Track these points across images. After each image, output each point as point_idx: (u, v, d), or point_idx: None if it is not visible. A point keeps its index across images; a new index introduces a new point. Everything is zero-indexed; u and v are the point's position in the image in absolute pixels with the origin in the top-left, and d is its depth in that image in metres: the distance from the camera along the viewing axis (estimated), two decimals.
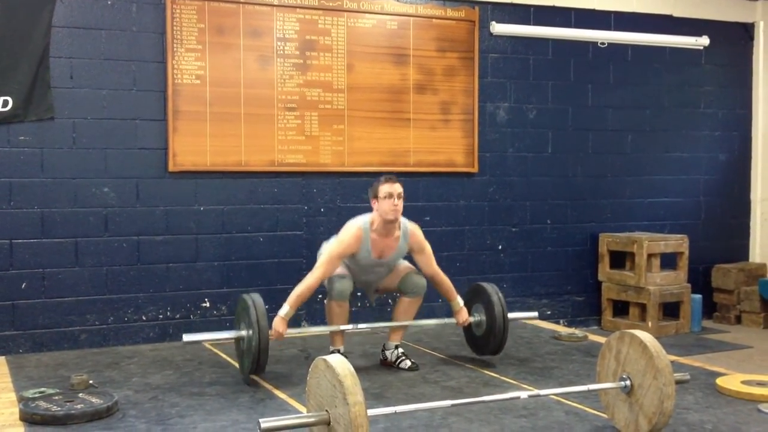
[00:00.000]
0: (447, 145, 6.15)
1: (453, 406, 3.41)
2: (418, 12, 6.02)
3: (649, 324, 6.34)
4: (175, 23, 5.36)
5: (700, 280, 7.02)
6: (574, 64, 6.63)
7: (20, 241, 5.10)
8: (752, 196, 7.39)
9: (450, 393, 4.03)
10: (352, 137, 5.83)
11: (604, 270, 6.70)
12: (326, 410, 2.81)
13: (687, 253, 6.67)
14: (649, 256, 6.43)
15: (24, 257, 5.11)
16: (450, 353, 5.01)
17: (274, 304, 5.67)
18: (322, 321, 5.74)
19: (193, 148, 5.43)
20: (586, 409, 3.76)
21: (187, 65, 5.40)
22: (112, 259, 5.31)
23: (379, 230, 4.39)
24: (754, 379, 4.11)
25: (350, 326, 4.53)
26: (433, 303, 6.15)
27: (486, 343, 4.67)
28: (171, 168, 5.39)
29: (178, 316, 5.47)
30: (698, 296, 6.72)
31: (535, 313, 5.29)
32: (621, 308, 6.73)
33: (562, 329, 5.90)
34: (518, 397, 3.60)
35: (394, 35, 5.97)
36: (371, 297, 4.89)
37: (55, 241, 5.18)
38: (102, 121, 5.26)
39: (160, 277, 5.43)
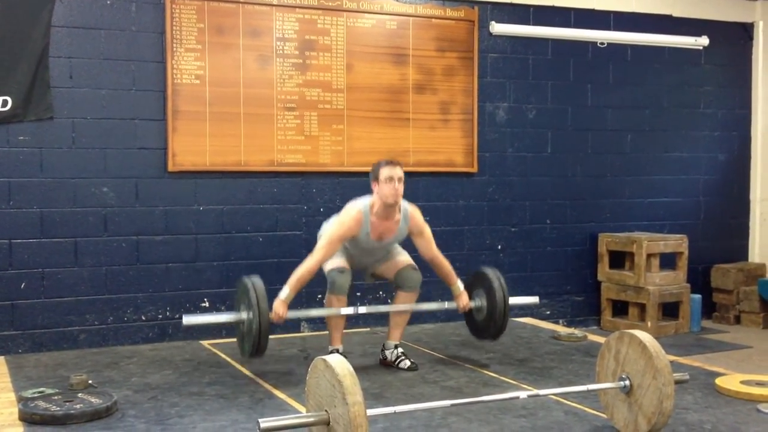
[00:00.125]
0: (446, 145, 6.15)
1: (452, 406, 3.41)
2: (417, 12, 6.02)
3: (649, 324, 6.34)
4: (174, 23, 5.36)
5: (699, 280, 7.02)
6: (574, 64, 6.64)
7: (19, 241, 5.10)
8: (751, 196, 7.39)
9: (449, 393, 4.03)
10: (352, 137, 5.83)
11: (604, 270, 6.71)
12: (325, 410, 2.81)
13: (686, 253, 6.67)
14: (649, 256, 6.43)
15: (23, 257, 5.11)
16: (449, 353, 5.01)
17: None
18: (321, 321, 5.73)
19: (192, 147, 5.43)
20: (586, 409, 3.76)
21: (187, 65, 5.40)
22: (112, 259, 5.31)
23: (379, 213, 4.38)
24: (754, 379, 4.11)
25: (351, 309, 4.52)
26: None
27: (486, 328, 4.66)
28: (170, 168, 5.39)
29: (177, 316, 5.46)
30: (697, 296, 6.72)
31: (536, 298, 5.23)
32: (620, 308, 6.73)
33: (561, 329, 5.91)
34: (517, 397, 3.60)
35: (394, 35, 5.97)
36: (367, 279, 4.86)
37: (55, 241, 5.18)
38: (101, 121, 5.26)
39: (160, 277, 5.43)
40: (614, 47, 6.70)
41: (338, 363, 2.80)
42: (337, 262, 4.47)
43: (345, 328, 4.70)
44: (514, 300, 4.75)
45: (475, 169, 6.25)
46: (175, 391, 4.10)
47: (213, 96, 5.47)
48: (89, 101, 5.22)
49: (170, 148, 5.37)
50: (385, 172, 4.31)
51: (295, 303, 5.73)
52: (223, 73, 5.49)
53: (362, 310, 4.63)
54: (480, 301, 4.67)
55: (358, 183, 5.77)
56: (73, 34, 5.17)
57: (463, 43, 6.18)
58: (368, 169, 4.48)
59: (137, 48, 5.32)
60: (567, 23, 6.54)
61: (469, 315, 4.80)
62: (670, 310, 6.68)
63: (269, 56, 5.62)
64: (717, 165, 7.24)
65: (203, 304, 5.53)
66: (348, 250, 4.54)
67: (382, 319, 5.52)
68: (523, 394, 3.58)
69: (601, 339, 5.12)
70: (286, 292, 4.26)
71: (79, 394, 3.84)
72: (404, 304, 4.63)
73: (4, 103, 5.00)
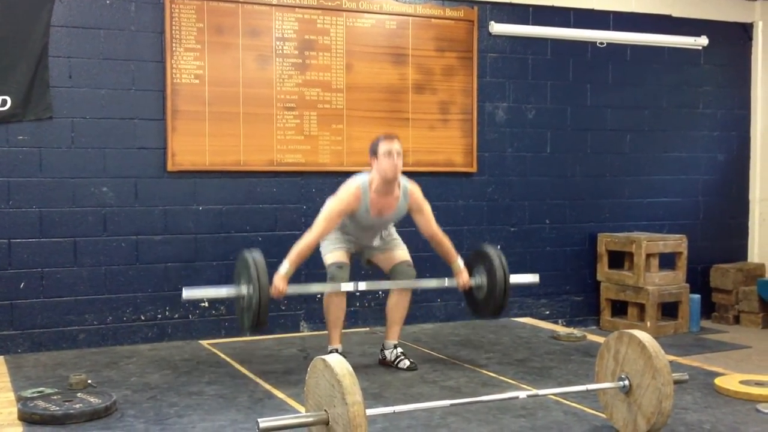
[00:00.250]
0: (446, 145, 6.15)
1: (452, 405, 3.41)
2: (417, 12, 6.02)
3: (648, 324, 6.34)
4: (174, 23, 5.36)
5: (698, 280, 7.03)
6: (573, 64, 6.64)
7: (19, 240, 5.10)
8: (751, 196, 7.40)
9: (448, 393, 4.03)
10: (351, 137, 5.83)
11: (603, 270, 6.71)
12: (325, 410, 2.81)
13: (686, 253, 6.67)
14: (648, 256, 6.44)
15: (22, 257, 5.11)
16: (448, 353, 5.01)
17: (272, 304, 5.67)
18: (321, 321, 5.74)
19: (191, 147, 5.43)
20: (585, 409, 3.76)
21: (186, 65, 5.40)
22: (111, 259, 5.31)
23: (378, 189, 4.37)
24: (753, 379, 4.11)
25: (351, 285, 4.47)
26: (432, 303, 6.16)
27: (486, 306, 4.60)
28: (170, 168, 5.39)
29: (176, 315, 5.47)
30: (697, 296, 6.72)
31: (536, 276, 5.10)
32: (619, 308, 6.73)
33: (560, 329, 5.91)
34: (517, 397, 3.60)
35: (393, 35, 5.97)
36: (363, 262, 4.80)
37: (54, 241, 5.18)
38: (101, 121, 5.26)
39: (159, 277, 5.42)
40: (613, 47, 6.71)
41: (337, 363, 2.80)
42: (337, 255, 4.47)
43: (344, 328, 4.69)
44: (514, 278, 4.64)
45: (474, 169, 6.25)
46: (174, 390, 4.10)
47: (212, 96, 5.46)
48: (88, 101, 5.22)
49: (169, 147, 5.37)
50: (383, 146, 4.31)
51: (294, 301, 5.76)
52: (222, 73, 5.49)
53: (362, 286, 4.51)
54: (480, 279, 4.58)
55: None
56: (73, 34, 5.17)
57: (462, 43, 6.18)
58: (368, 168, 4.47)
59: (136, 48, 5.32)
60: (566, 23, 6.55)
61: (469, 293, 4.71)
62: (669, 310, 6.68)
63: (269, 56, 5.62)
64: (716, 165, 7.25)
65: (202, 304, 5.53)
66: (348, 230, 4.52)
67: (381, 319, 5.51)
68: (522, 394, 3.58)
69: (600, 339, 5.12)
70: (285, 267, 4.25)
71: (79, 394, 3.84)
72: (397, 305, 4.61)
73: (4, 102, 5.00)
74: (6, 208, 5.07)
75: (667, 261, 6.68)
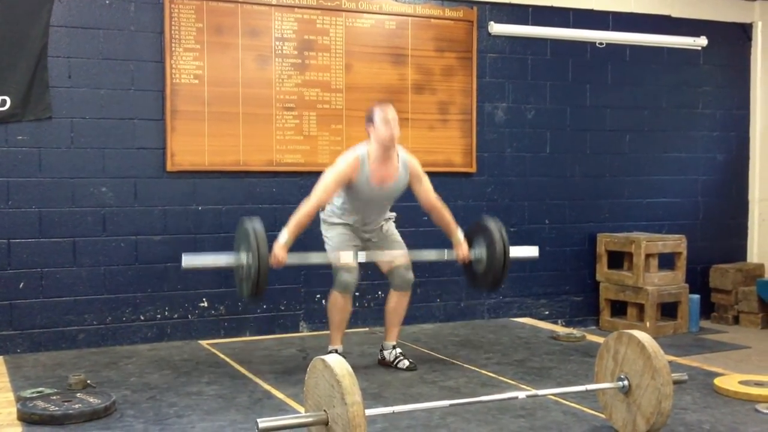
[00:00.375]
0: (445, 145, 6.15)
1: (451, 406, 3.41)
2: (416, 12, 6.02)
3: (647, 324, 6.34)
4: (173, 23, 5.36)
5: (698, 281, 7.02)
6: (573, 64, 6.64)
7: (18, 240, 5.10)
8: (750, 197, 7.40)
9: (448, 393, 4.03)
10: (351, 137, 5.82)
11: (602, 270, 6.71)
12: (324, 410, 2.81)
13: (685, 253, 6.67)
14: (647, 256, 6.43)
15: (22, 257, 5.11)
16: (448, 353, 5.01)
17: (272, 304, 5.71)
18: (320, 321, 5.74)
19: (191, 147, 5.43)
20: (584, 409, 3.76)
21: (186, 65, 5.40)
22: (110, 259, 5.31)
23: (377, 158, 4.38)
24: (752, 380, 4.12)
25: (350, 255, 4.43)
26: (432, 303, 6.16)
27: (484, 279, 4.55)
28: (169, 168, 5.39)
29: (176, 315, 5.47)
30: (696, 296, 6.72)
31: (536, 249, 5.03)
32: (619, 308, 6.73)
33: (560, 329, 5.91)
34: (516, 397, 3.60)
35: (393, 35, 5.97)
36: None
37: (53, 241, 5.17)
38: (100, 121, 5.26)
39: (158, 277, 5.42)
40: (613, 47, 6.71)
41: (337, 363, 2.80)
42: (346, 259, 4.42)
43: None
44: (514, 251, 4.57)
45: (473, 170, 6.25)
46: (173, 391, 4.10)
47: (212, 96, 5.46)
48: (88, 101, 5.22)
49: (169, 147, 5.37)
50: (380, 113, 4.34)
51: (293, 301, 5.76)
52: (221, 73, 5.49)
53: (362, 257, 4.49)
54: (480, 252, 4.53)
55: None
56: (72, 34, 5.17)
57: (461, 44, 6.18)
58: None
59: (136, 48, 5.32)
60: (566, 23, 6.55)
61: (468, 265, 4.67)
62: (668, 310, 6.68)
63: (268, 56, 5.62)
64: (716, 165, 7.25)
65: (202, 304, 5.53)
66: (352, 209, 4.46)
67: (381, 319, 5.51)
68: (521, 395, 3.58)
69: (599, 339, 5.13)
70: (285, 236, 4.24)
71: (78, 394, 3.84)
72: (396, 307, 4.59)
73: (3, 102, 5.00)
74: (5, 208, 5.06)
75: (667, 261, 6.68)
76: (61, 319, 5.19)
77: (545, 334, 5.62)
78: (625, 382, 3.32)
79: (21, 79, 5.02)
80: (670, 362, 3.35)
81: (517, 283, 6.48)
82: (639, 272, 6.40)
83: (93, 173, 5.25)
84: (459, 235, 4.57)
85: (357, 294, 5.74)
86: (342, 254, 4.42)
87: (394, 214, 4.74)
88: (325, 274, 5.54)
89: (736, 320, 7.00)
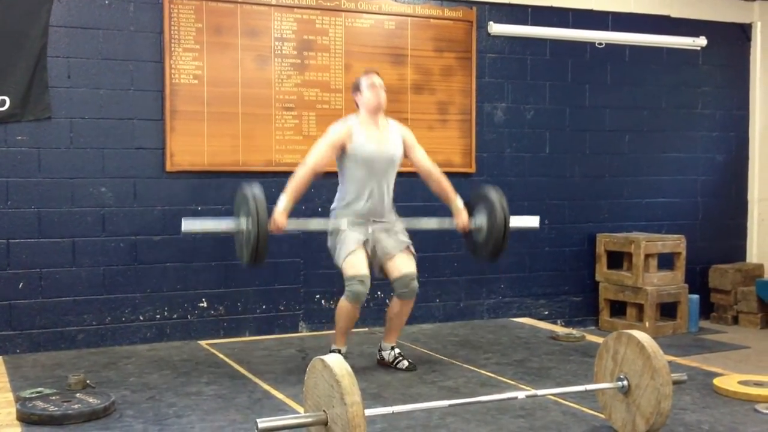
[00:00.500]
0: (444, 146, 6.15)
1: (450, 406, 3.41)
2: (415, 12, 6.03)
3: (647, 324, 6.34)
4: (172, 23, 5.36)
5: (697, 281, 7.03)
6: (572, 64, 6.64)
7: (17, 240, 5.10)
8: (749, 197, 7.40)
9: (447, 393, 4.03)
10: None
11: (602, 270, 6.71)
12: (324, 410, 2.81)
13: (684, 253, 6.68)
14: (647, 256, 6.44)
15: (21, 257, 5.10)
16: (447, 353, 5.01)
17: (271, 304, 5.71)
18: (320, 321, 5.75)
19: (190, 147, 5.43)
20: (584, 409, 3.76)
21: (185, 65, 5.40)
22: (110, 259, 5.31)
23: (367, 125, 4.45)
24: (751, 380, 4.12)
25: (344, 221, 4.43)
26: (431, 303, 6.16)
27: (485, 248, 4.49)
28: (168, 168, 5.39)
29: (175, 316, 5.47)
30: (695, 296, 6.73)
31: (536, 219, 4.99)
32: (618, 308, 6.73)
33: (559, 329, 5.91)
34: (516, 398, 3.60)
35: (392, 35, 5.97)
36: (377, 271, 4.60)
37: (52, 241, 5.17)
38: (99, 121, 5.26)
39: (158, 277, 5.42)
40: (612, 48, 6.71)
41: (336, 363, 2.80)
42: (357, 265, 4.33)
43: None
44: (514, 221, 4.50)
45: (473, 170, 6.25)
46: (173, 391, 4.10)
47: (211, 96, 5.46)
48: (87, 101, 5.22)
49: (168, 148, 5.37)
50: (366, 80, 4.44)
51: (293, 302, 5.76)
52: (221, 73, 5.49)
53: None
54: (480, 221, 4.48)
55: None
56: (71, 34, 5.17)
57: (461, 44, 6.18)
58: None
59: (135, 48, 5.31)
60: (565, 23, 6.55)
61: (468, 234, 4.63)
62: (668, 310, 6.68)
63: (267, 56, 5.62)
64: (715, 165, 7.25)
65: (201, 304, 5.53)
66: (357, 180, 4.43)
67: (380, 319, 5.52)
68: (521, 395, 3.58)
69: (599, 339, 5.13)
70: (283, 201, 4.28)
71: (77, 395, 3.84)
72: (399, 314, 4.53)
73: (2, 102, 5.00)
74: (4, 208, 5.06)
75: (666, 261, 6.68)
76: (60, 319, 5.19)
77: (545, 334, 5.62)
78: (625, 383, 3.32)
79: (20, 80, 5.02)
80: (669, 362, 3.35)
81: (517, 284, 6.49)
82: (638, 272, 6.40)
83: (92, 173, 5.25)
84: (458, 203, 4.56)
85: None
86: (342, 222, 4.42)
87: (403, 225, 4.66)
88: (325, 275, 5.56)
89: (736, 320, 7.01)
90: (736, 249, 7.37)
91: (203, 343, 5.34)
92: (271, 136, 5.64)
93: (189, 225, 4.32)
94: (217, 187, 5.54)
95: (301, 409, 3.47)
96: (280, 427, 2.77)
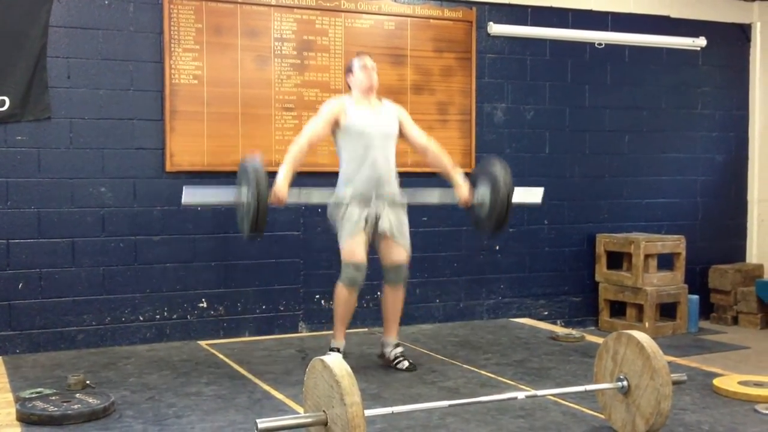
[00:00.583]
0: (444, 146, 6.04)
1: (450, 406, 3.41)
2: (415, 12, 6.03)
3: (646, 324, 6.34)
4: (172, 23, 5.36)
5: (697, 281, 7.03)
6: (572, 64, 6.64)
7: (17, 241, 5.10)
8: (749, 197, 7.40)
9: (447, 393, 4.03)
10: None
11: (601, 270, 6.71)
12: (323, 411, 2.81)
13: (684, 253, 6.68)
14: (646, 256, 6.44)
15: (21, 257, 5.10)
16: (447, 354, 5.01)
17: (271, 305, 5.70)
18: (320, 322, 5.75)
19: (190, 148, 5.43)
20: (584, 409, 3.76)
21: (185, 65, 5.40)
22: (109, 259, 5.30)
23: (359, 101, 4.52)
24: (751, 380, 4.12)
25: (349, 197, 4.45)
26: (431, 303, 6.16)
27: (488, 222, 4.45)
28: (168, 168, 5.39)
29: (174, 316, 5.46)
30: (695, 297, 6.73)
31: (540, 191, 5.01)
32: (618, 309, 6.73)
33: (559, 330, 5.91)
34: (515, 398, 3.60)
35: (392, 36, 5.97)
36: (376, 246, 4.61)
37: (52, 241, 5.17)
38: (99, 121, 5.26)
39: (157, 278, 5.42)
40: (612, 48, 6.71)
41: (336, 363, 2.80)
42: (355, 250, 4.36)
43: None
44: (518, 195, 4.45)
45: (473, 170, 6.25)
46: (172, 391, 4.10)
47: (211, 96, 5.46)
48: (87, 101, 5.22)
49: (168, 148, 5.37)
50: (358, 62, 4.54)
51: (292, 302, 5.76)
52: (221, 74, 5.49)
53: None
54: (483, 194, 4.42)
55: None
56: (71, 35, 5.17)
57: (461, 44, 6.18)
58: None
59: (135, 48, 5.31)
60: (565, 24, 6.55)
61: (470, 208, 4.59)
62: (667, 310, 6.68)
63: (267, 56, 5.62)
64: (715, 166, 7.25)
65: (201, 305, 5.53)
66: (357, 155, 4.42)
67: (380, 319, 5.51)
68: (521, 395, 3.58)
69: (598, 339, 5.13)
70: (283, 173, 4.29)
71: (77, 395, 3.84)
72: (393, 303, 4.56)
73: (2, 103, 5.00)
74: (4, 208, 5.06)
75: (666, 262, 6.68)
76: (60, 319, 5.19)
77: (544, 335, 5.62)
78: (625, 383, 3.32)
79: (20, 80, 5.02)
80: (669, 363, 3.35)
81: (517, 284, 6.49)
82: (638, 273, 6.41)
83: (92, 173, 5.25)
84: (458, 176, 4.54)
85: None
86: (346, 194, 4.43)
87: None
88: (325, 275, 5.56)
89: (735, 321, 7.01)
90: (736, 249, 7.37)
91: (203, 343, 5.34)
92: (270, 137, 5.64)
93: (189, 196, 4.36)
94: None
95: (300, 410, 3.47)
96: (279, 428, 2.77)
